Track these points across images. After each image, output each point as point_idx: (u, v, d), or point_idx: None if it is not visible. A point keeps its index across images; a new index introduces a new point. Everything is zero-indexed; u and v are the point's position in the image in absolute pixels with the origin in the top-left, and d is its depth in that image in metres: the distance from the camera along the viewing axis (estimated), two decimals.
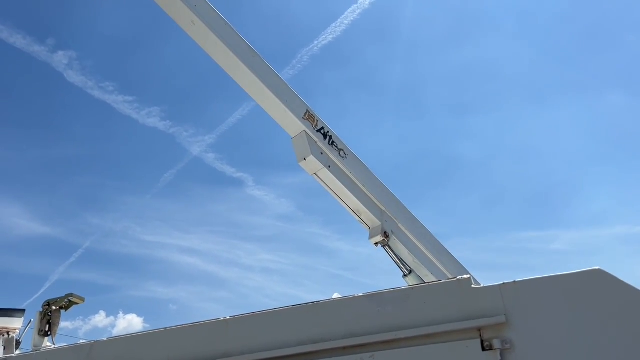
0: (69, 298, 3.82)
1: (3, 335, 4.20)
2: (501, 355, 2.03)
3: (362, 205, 4.50)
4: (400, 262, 4.57)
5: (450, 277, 4.66)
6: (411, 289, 2.27)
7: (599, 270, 2.05)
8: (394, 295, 2.25)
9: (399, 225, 4.60)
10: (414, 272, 4.57)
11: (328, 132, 4.43)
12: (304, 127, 4.29)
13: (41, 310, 3.96)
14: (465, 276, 2.24)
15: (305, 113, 4.33)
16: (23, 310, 4.36)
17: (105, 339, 2.74)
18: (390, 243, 4.53)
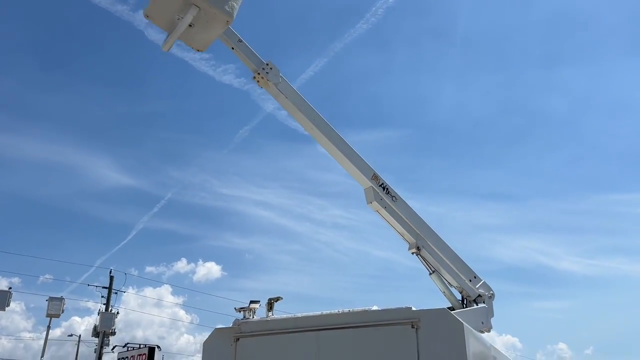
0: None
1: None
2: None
3: (404, 229, 7.30)
4: (428, 265, 7.40)
5: (461, 277, 7.44)
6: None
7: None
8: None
9: (428, 242, 7.39)
10: (436, 272, 7.39)
11: (386, 186, 7.19)
12: (371, 184, 7.08)
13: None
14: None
15: (373, 175, 7.11)
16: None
17: None
18: (421, 253, 7.35)
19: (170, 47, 5.66)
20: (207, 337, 4.85)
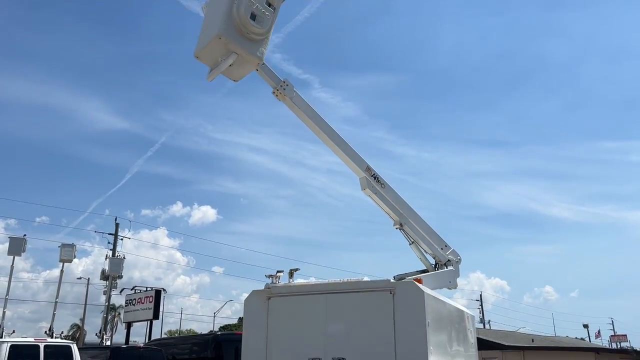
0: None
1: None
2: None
3: (390, 210, 9.23)
4: (408, 237, 9.39)
5: (435, 246, 9.43)
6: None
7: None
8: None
9: (409, 219, 9.34)
10: (415, 243, 9.39)
11: (377, 175, 9.04)
12: (364, 175, 8.94)
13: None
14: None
15: (366, 167, 8.95)
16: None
17: None
18: (403, 228, 9.32)
19: (214, 79, 7.36)
20: (247, 295, 6.83)
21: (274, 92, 8.32)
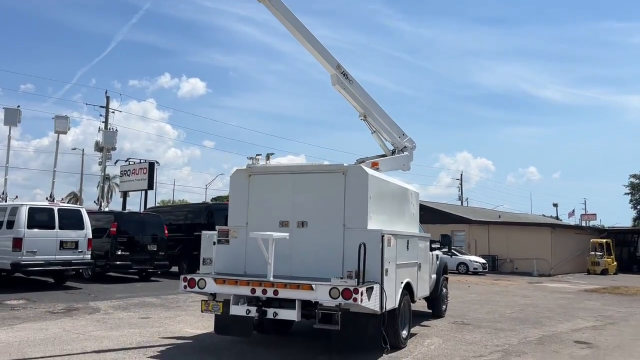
0: None
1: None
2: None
3: (356, 103, 10.69)
4: (370, 127, 10.96)
5: (393, 134, 11.05)
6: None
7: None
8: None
9: (372, 111, 10.84)
10: (376, 132, 11.00)
11: (346, 73, 10.35)
12: (335, 72, 10.25)
13: None
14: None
15: (337, 65, 10.23)
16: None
17: None
18: (367, 119, 10.86)
19: None
20: (232, 172, 8.54)
21: None
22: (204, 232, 8.68)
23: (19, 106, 33.82)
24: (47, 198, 29.55)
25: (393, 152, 11.23)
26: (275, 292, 6.90)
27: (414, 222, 9.93)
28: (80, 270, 16.70)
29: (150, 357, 7.26)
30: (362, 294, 6.48)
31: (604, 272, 34.96)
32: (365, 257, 6.82)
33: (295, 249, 7.77)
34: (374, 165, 10.03)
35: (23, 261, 13.85)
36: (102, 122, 41.25)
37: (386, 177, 8.99)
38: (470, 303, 15.36)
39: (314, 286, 6.68)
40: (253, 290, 7.01)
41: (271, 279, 7.06)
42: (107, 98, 41.29)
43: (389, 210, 8.55)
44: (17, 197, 33.32)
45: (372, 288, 6.83)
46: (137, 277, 18.56)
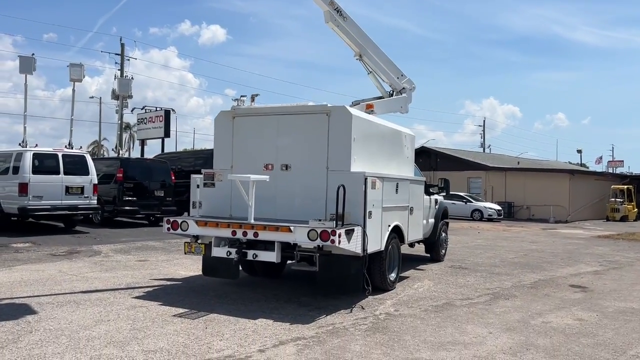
0: None
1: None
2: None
3: (351, 42, 10.25)
4: (367, 67, 10.55)
5: (391, 75, 10.63)
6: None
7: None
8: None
9: (368, 50, 10.40)
10: (373, 73, 10.59)
11: (339, 9, 9.88)
12: (328, 8, 9.78)
13: None
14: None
15: (330, 2, 9.75)
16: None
17: None
18: (362, 59, 10.44)
19: None
20: (216, 115, 8.33)
21: None
22: (193, 176, 8.59)
23: (33, 54, 33.70)
24: (65, 146, 29.93)
25: (391, 94, 10.85)
26: (255, 234, 6.84)
27: (407, 165, 9.67)
28: (90, 216, 16.99)
29: (135, 297, 7.35)
30: (340, 236, 6.36)
31: (624, 218, 34.38)
32: (345, 199, 6.66)
33: (279, 192, 7.65)
34: (369, 107, 9.71)
35: (30, 206, 14.12)
36: (118, 69, 41.11)
37: (375, 119, 8.69)
38: (475, 248, 15.24)
39: (292, 228, 6.59)
40: (234, 233, 6.97)
41: (252, 221, 6.99)
42: (122, 45, 40.95)
43: (377, 153, 8.30)
44: (36, 145, 33.86)
45: (352, 230, 6.70)
46: (146, 222, 18.84)
